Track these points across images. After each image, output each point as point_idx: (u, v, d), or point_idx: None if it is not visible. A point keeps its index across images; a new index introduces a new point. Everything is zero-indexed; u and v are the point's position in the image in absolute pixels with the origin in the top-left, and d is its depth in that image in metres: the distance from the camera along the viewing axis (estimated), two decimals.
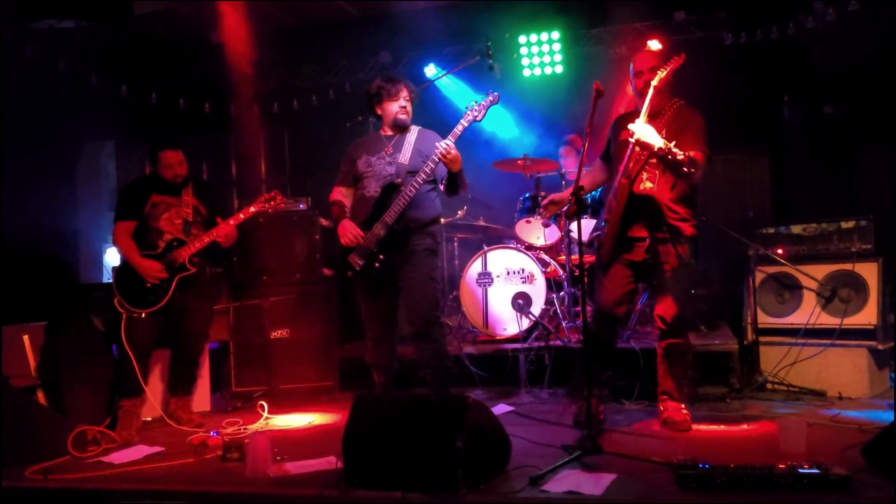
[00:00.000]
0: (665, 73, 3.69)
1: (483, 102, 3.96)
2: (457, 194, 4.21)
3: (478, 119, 3.97)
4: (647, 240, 3.81)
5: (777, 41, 6.21)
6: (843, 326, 4.47)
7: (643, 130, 3.58)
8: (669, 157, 3.52)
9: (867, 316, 4.45)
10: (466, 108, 4.00)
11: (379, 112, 4.27)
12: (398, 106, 4.19)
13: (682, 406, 3.86)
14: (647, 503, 2.75)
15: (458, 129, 3.96)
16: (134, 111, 7.20)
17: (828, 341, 4.50)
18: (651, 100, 3.67)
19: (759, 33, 6.23)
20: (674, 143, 3.54)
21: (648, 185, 3.77)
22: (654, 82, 3.66)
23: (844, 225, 4.68)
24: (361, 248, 4.07)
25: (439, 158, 3.89)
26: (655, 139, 3.54)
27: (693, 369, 4.00)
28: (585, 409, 3.48)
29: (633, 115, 3.81)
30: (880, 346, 4.42)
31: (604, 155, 4.20)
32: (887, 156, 6.35)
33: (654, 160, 3.71)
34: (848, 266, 4.55)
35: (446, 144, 3.88)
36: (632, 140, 3.64)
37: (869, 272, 4.49)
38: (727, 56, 6.39)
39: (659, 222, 3.77)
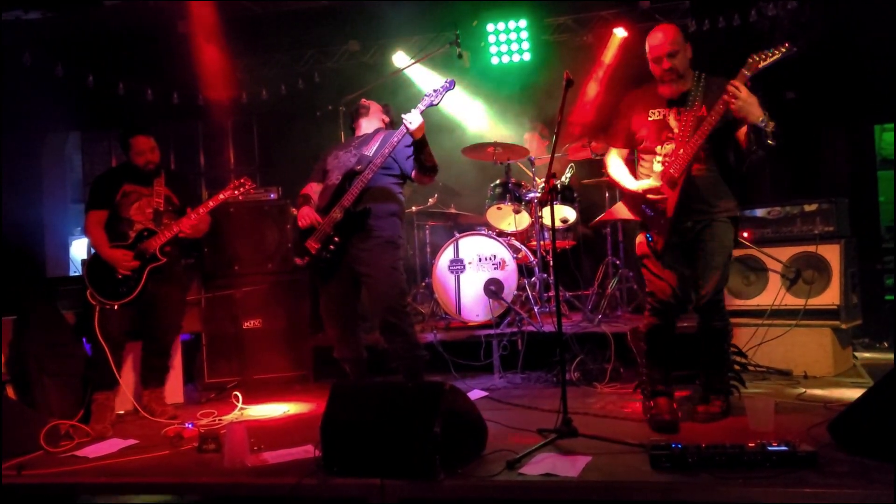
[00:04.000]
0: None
1: (439, 88, 4.09)
2: (428, 171, 4.17)
3: (434, 104, 4.09)
4: (696, 223, 3.57)
5: (739, 28, 6.31)
6: (807, 307, 4.57)
7: (752, 98, 3.30)
8: (767, 128, 3.30)
9: (830, 296, 4.55)
10: (425, 94, 4.12)
11: (354, 126, 4.51)
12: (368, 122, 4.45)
13: (714, 400, 3.62)
14: (622, 483, 2.81)
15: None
16: (100, 101, 7.10)
17: (793, 322, 4.59)
18: (669, 87, 3.56)
19: (722, 20, 6.33)
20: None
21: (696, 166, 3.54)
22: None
23: (807, 208, 4.77)
24: (318, 231, 4.11)
25: (405, 128, 3.99)
26: (758, 108, 3.30)
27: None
28: (660, 405, 3.56)
29: (650, 93, 3.67)
30: (843, 326, 4.53)
31: (626, 140, 3.79)
32: (848, 139, 6.50)
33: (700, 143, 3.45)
34: (811, 248, 4.65)
35: (413, 115, 3.97)
36: (731, 103, 3.30)
37: (831, 254, 4.60)
38: (691, 43, 6.45)
39: (705, 203, 3.56)
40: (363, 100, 4.57)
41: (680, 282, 3.58)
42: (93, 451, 3.75)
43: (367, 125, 4.46)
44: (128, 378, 4.66)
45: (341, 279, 4.16)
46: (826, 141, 6.50)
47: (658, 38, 3.61)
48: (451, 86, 4.11)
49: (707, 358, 3.70)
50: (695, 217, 3.57)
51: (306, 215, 4.15)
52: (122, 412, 4.57)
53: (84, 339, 4.57)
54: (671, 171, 3.48)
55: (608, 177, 3.89)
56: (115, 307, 4.32)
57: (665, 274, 3.58)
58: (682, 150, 3.48)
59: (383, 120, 4.52)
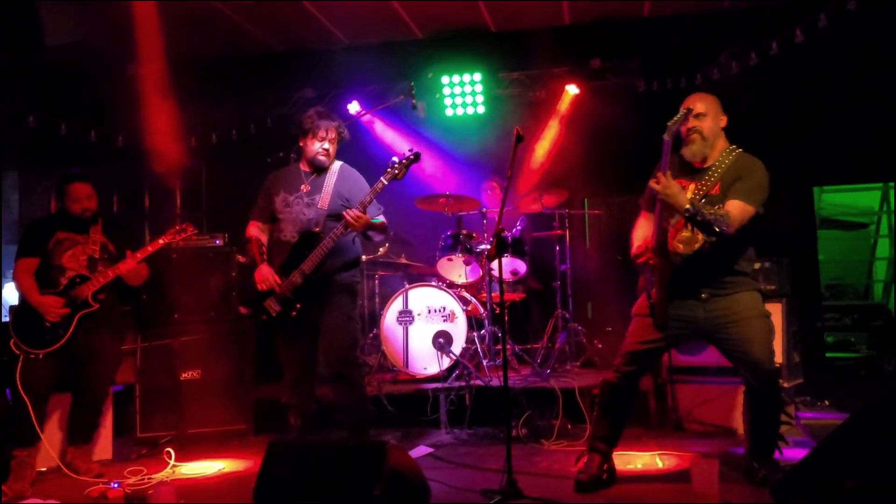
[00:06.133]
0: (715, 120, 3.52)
1: (403, 161, 3.94)
2: (375, 241, 4.21)
3: (398, 177, 3.94)
4: (712, 294, 3.46)
5: (686, 90, 6.48)
6: None
7: (671, 189, 3.23)
8: (699, 217, 3.18)
9: None
10: (388, 164, 3.97)
11: (301, 145, 4.22)
12: (320, 147, 4.14)
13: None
14: None
15: (378, 186, 3.95)
16: (41, 142, 6.90)
17: (737, 379, 4.60)
18: (690, 149, 3.46)
19: (670, 83, 6.50)
20: (704, 201, 3.31)
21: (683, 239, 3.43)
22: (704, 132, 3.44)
23: None
24: (278, 294, 4.00)
25: (347, 224, 3.90)
26: (682, 199, 3.22)
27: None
28: (590, 463, 3.57)
29: (678, 160, 3.58)
30: (786, 385, 4.58)
31: (649, 203, 3.68)
32: (788, 200, 6.68)
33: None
34: None
35: (354, 215, 3.88)
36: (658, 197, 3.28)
37: (774, 312, 4.63)
38: (641, 102, 6.61)
39: (715, 276, 3.46)
40: (313, 113, 4.19)
41: (657, 350, 3.60)
42: None
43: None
44: (52, 433, 4.42)
45: (301, 329, 4.05)
46: (767, 202, 6.65)
47: (691, 98, 3.54)
48: (415, 158, 3.93)
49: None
50: (708, 290, 3.44)
51: (265, 279, 4.00)
52: (44, 469, 4.32)
53: (8, 392, 4.33)
54: (651, 240, 3.41)
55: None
56: (41, 356, 4.12)
57: (646, 335, 3.51)
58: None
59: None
